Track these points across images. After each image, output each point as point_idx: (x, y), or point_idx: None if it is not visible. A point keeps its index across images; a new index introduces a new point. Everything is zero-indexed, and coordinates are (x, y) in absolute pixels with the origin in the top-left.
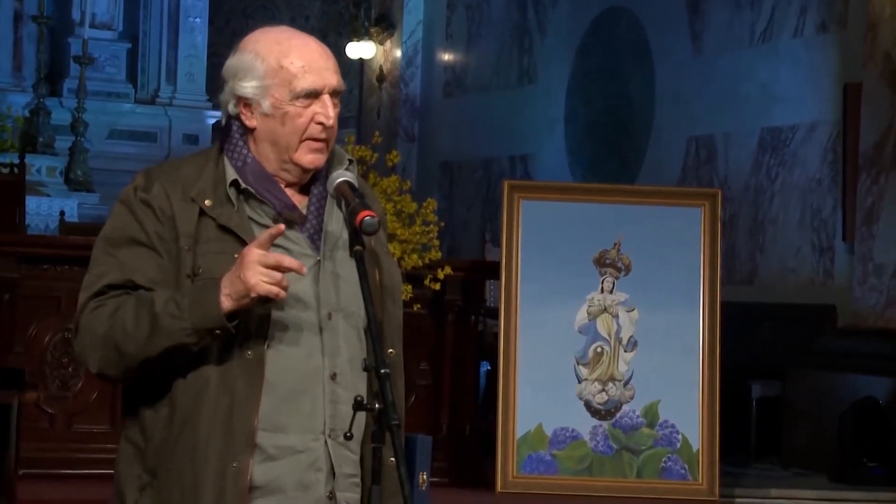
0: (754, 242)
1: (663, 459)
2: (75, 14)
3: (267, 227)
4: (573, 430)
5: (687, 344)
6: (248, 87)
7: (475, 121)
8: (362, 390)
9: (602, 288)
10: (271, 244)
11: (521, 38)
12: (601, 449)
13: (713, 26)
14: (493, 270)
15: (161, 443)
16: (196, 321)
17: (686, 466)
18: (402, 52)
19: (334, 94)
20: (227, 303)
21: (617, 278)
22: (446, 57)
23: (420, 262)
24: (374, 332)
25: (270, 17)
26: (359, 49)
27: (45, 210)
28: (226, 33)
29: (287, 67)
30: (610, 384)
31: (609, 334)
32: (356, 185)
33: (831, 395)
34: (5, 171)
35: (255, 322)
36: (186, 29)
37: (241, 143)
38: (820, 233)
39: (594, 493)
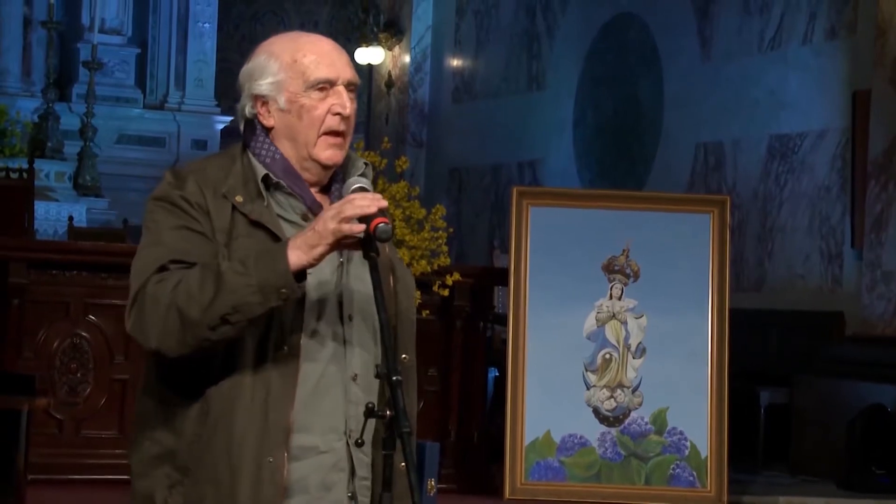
0: (763, 249)
1: (672, 466)
2: (85, 19)
3: (295, 223)
4: (581, 437)
5: (695, 351)
6: (263, 84)
7: (484, 126)
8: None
9: (611, 294)
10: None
11: (529, 43)
12: (609, 456)
13: (722, 32)
14: (501, 276)
15: (194, 439)
16: (262, 276)
17: (694, 473)
18: (411, 58)
19: (350, 86)
20: (294, 256)
21: (626, 284)
22: (455, 63)
23: (428, 268)
24: (386, 339)
25: (279, 22)
26: (367, 55)
27: (53, 215)
28: (235, 39)
29: (300, 60)
30: (618, 391)
31: (617, 341)
32: (370, 190)
33: (839, 402)
34: (14, 175)
35: (290, 317)
36: (195, 34)
37: (266, 141)
38: (828, 240)
39: (602, 500)
